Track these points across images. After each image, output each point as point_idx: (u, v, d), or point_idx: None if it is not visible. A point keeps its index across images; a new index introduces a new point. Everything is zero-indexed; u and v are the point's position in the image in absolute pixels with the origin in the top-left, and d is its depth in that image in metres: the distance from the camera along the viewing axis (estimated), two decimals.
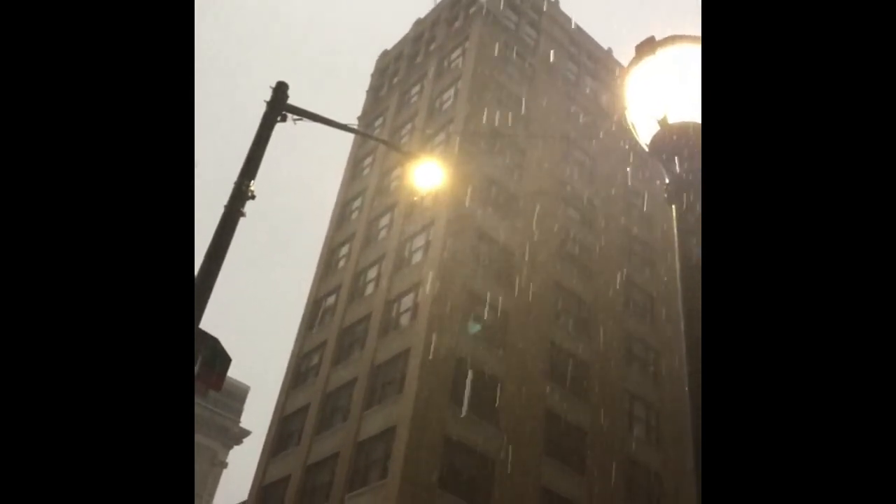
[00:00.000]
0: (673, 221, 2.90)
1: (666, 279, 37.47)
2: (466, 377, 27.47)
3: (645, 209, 40.56)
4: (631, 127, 3.04)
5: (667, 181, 2.81)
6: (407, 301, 30.36)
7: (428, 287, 29.08)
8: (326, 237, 39.96)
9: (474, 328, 22.78)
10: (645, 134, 2.95)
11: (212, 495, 67.78)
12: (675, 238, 2.81)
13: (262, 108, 7.84)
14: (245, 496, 33.22)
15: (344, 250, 37.80)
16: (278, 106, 7.84)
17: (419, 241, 32.17)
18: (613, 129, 40.10)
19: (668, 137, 2.81)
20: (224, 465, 73.29)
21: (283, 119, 7.79)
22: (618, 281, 35.78)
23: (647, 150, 2.93)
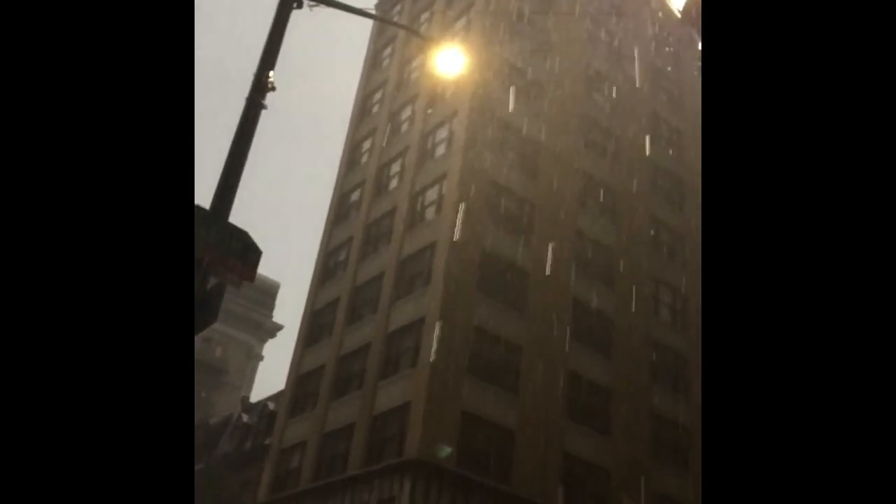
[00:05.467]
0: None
1: (695, 161, 36.93)
2: (493, 268, 27.78)
3: (673, 90, 39.44)
4: None
5: (699, 48, 2.70)
6: (432, 194, 30.34)
7: (452, 179, 28.98)
8: (349, 131, 39.62)
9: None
10: (678, 1, 2.82)
11: (250, 386, 70.73)
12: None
13: None
14: (281, 386, 34.61)
15: (367, 144, 37.53)
16: None
17: (442, 133, 31.79)
18: (641, 7, 38.49)
19: (701, 3, 2.68)
20: (260, 357, 76.06)
21: (300, 6, 7.57)
22: (644, 166, 35.32)
23: (678, 16, 2.81)
